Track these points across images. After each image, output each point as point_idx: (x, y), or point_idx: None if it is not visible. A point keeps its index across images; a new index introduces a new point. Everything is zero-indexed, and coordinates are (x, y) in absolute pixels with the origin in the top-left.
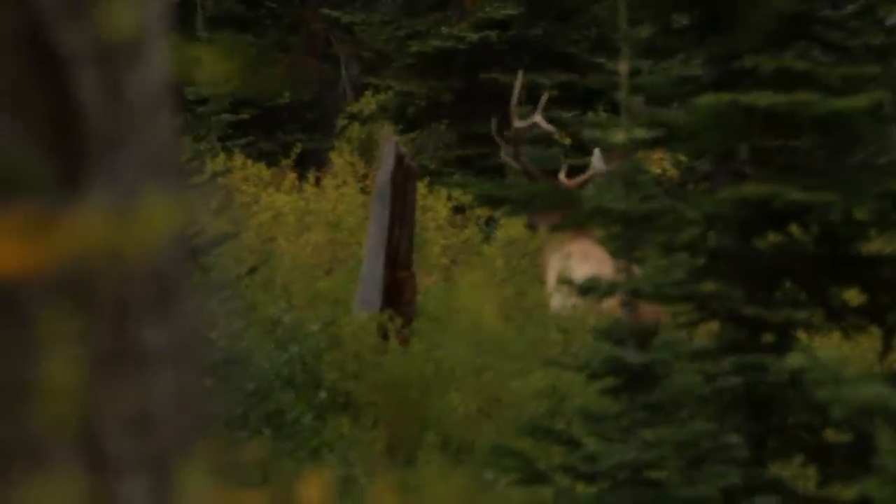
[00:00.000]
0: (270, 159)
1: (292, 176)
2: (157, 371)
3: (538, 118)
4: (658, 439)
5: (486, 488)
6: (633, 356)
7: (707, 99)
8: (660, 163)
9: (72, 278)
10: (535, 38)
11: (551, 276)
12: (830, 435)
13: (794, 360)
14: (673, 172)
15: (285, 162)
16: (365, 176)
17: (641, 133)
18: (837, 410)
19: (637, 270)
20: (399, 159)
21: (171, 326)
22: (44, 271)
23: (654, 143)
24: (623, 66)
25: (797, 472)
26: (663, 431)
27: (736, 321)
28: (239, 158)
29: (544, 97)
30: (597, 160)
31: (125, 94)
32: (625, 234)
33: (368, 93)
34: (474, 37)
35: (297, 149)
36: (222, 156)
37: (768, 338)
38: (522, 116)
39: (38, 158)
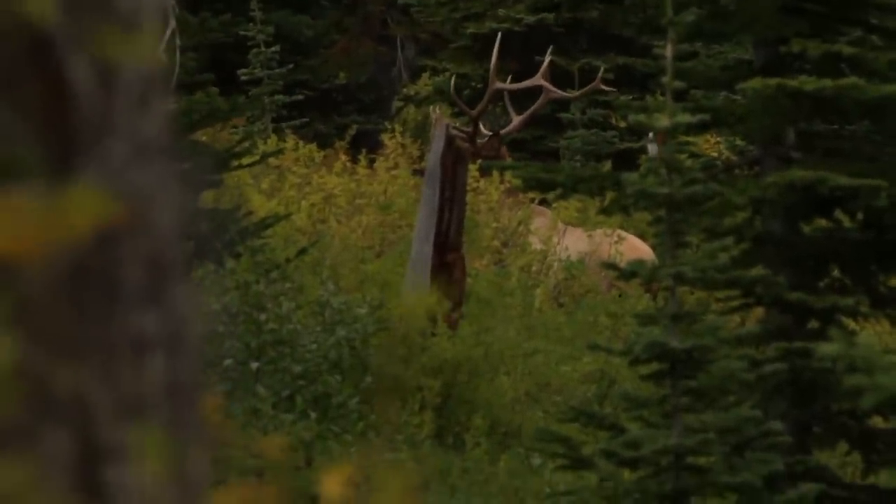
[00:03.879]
0: (325, 141)
1: (344, 158)
2: (149, 358)
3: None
4: (701, 425)
5: (533, 473)
6: (675, 341)
7: (754, 83)
8: (716, 147)
9: (63, 263)
10: (592, 20)
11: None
12: (876, 422)
13: (828, 347)
14: (728, 156)
15: (340, 144)
16: (420, 158)
17: (686, 117)
18: (868, 398)
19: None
20: (449, 141)
21: (163, 313)
22: (36, 256)
23: (700, 128)
24: (668, 50)
25: (842, 460)
26: (706, 417)
27: (781, 307)
28: (291, 140)
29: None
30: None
31: (117, 79)
32: (669, 219)
33: (425, 75)
34: (531, 18)
35: (352, 131)
36: (274, 137)
37: (813, 324)
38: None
39: (30, 144)
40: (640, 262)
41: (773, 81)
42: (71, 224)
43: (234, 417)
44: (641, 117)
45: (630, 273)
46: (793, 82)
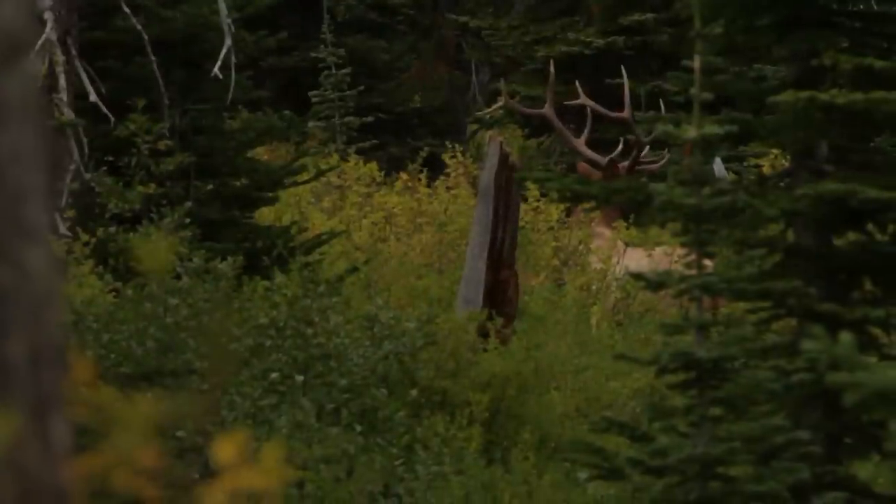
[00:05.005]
0: (398, 164)
1: (405, 177)
2: None
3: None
4: (728, 434)
5: (578, 486)
6: (702, 351)
7: (786, 96)
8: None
9: None
10: (661, 43)
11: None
12: None
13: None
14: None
15: (412, 166)
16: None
17: (714, 129)
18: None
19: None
20: (503, 159)
21: None
22: None
23: (731, 140)
24: (697, 63)
25: (875, 471)
26: (734, 427)
27: (812, 318)
28: (352, 159)
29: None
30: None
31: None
32: (696, 230)
33: (500, 98)
34: (601, 42)
35: (424, 153)
36: (336, 156)
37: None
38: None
39: None
40: (667, 273)
41: (804, 94)
42: None
43: (278, 430)
44: (670, 128)
45: (658, 283)
46: (824, 95)
